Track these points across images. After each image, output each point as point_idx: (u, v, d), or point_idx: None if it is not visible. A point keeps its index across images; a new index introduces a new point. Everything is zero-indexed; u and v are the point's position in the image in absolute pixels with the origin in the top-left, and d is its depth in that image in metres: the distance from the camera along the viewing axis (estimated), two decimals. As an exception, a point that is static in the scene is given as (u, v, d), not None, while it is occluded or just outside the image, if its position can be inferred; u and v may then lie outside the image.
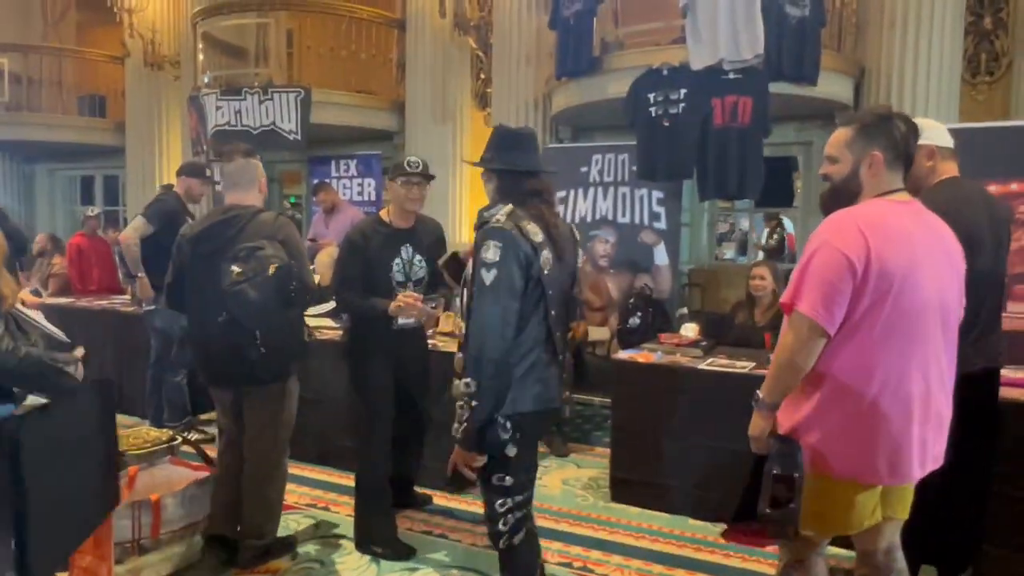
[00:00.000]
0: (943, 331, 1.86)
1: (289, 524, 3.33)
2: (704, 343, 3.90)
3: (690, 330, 4.14)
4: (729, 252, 9.50)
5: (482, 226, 2.15)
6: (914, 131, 1.92)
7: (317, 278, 3.80)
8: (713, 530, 3.29)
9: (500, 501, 2.18)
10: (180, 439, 3.20)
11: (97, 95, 10.60)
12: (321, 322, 4.31)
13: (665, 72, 4.94)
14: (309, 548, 3.18)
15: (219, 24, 7.93)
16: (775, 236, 9.32)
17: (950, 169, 2.49)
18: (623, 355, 3.86)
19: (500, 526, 2.19)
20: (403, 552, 3.09)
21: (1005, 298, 2.84)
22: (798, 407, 1.88)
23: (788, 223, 9.04)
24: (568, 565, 3.03)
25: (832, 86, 5.39)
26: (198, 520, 2.97)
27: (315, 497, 3.75)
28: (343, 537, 3.27)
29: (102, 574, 2.35)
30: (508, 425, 2.10)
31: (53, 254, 7.23)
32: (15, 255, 4.31)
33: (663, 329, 4.57)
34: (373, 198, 7.86)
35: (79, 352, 2.23)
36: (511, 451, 2.12)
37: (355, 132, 7.97)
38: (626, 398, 3.71)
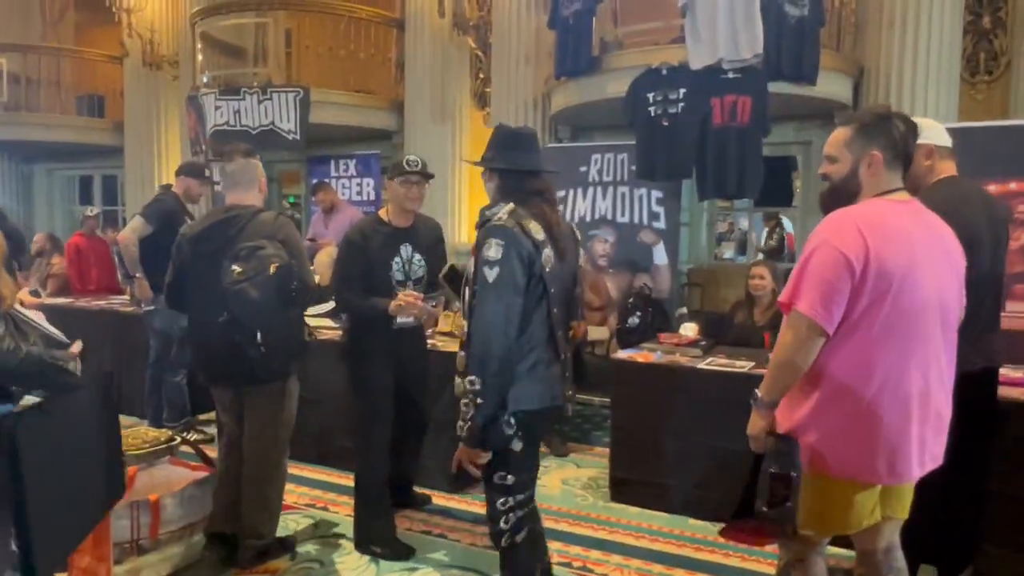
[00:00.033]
0: (942, 330, 1.86)
1: (288, 524, 3.33)
2: (703, 343, 3.90)
3: (689, 330, 4.14)
4: (728, 252, 9.50)
5: (484, 224, 2.16)
6: (913, 130, 1.92)
7: (317, 278, 3.79)
8: (713, 530, 3.29)
9: (502, 499, 2.19)
10: (179, 439, 3.20)
11: (96, 95, 10.59)
12: (320, 322, 4.31)
13: (664, 72, 4.94)
14: (308, 548, 3.18)
15: (218, 24, 7.92)
16: (775, 236, 9.32)
17: (948, 168, 2.49)
18: (622, 355, 3.86)
19: (501, 524, 2.20)
20: (402, 552, 3.09)
21: (1004, 297, 2.84)
22: (797, 406, 1.88)
23: (787, 223, 9.04)
24: (568, 565, 3.03)
25: (831, 86, 5.38)
26: (197, 520, 2.97)
27: (314, 497, 3.75)
28: (342, 537, 3.27)
29: (101, 574, 2.35)
30: (512, 421, 2.10)
31: (52, 254, 7.22)
32: (14, 255, 4.30)
33: (662, 329, 4.57)
34: (372, 198, 7.85)
35: (76, 348, 2.23)
36: (517, 445, 2.13)
37: (354, 132, 7.97)
38: (625, 398, 3.71)
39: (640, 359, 3.73)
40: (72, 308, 5.65)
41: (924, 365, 1.81)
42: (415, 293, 3.04)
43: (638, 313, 5.11)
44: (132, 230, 4.45)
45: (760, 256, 8.17)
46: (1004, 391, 2.73)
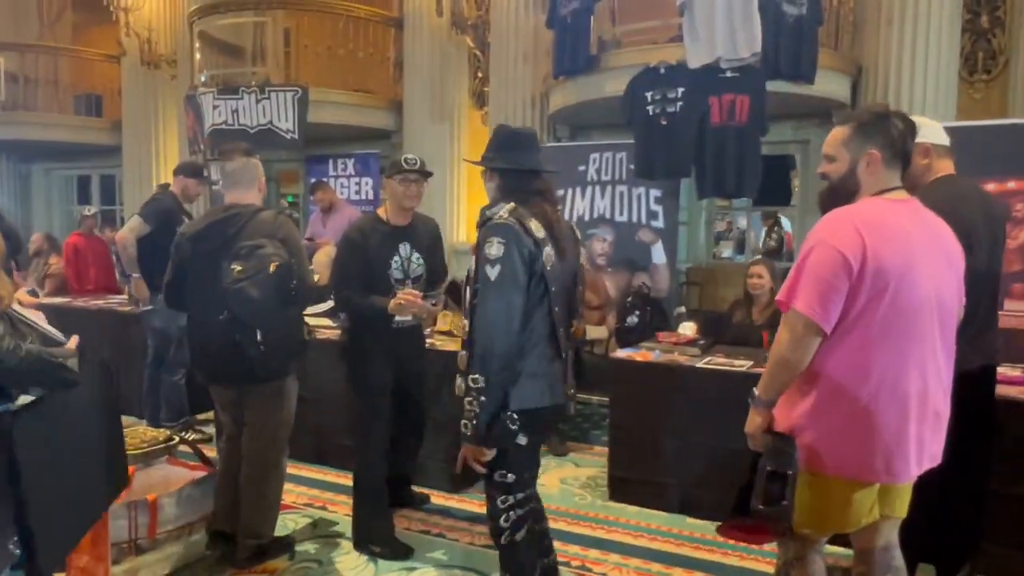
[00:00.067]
0: (940, 329, 1.86)
1: (287, 523, 3.32)
2: (702, 342, 3.91)
3: (688, 328, 4.15)
4: (727, 251, 9.49)
5: (485, 223, 2.16)
6: (912, 129, 1.92)
7: (316, 277, 3.79)
8: (711, 528, 3.28)
9: (502, 498, 2.20)
10: (177, 439, 3.20)
11: (93, 94, 10.57)
12: (319, 321, 4.31)
13: (662, 71, 4.94)
14: (307, 547, 3.17)
15: (216, 23, 7.91)
16: (773, 235, 9.32)
17: (946, 167, 2.49)
18: (621, 354, 3.86)
19: (501, 522, 2.21)
20: (401, 551, 3.09)
21: (1002, 296, 2.84)
22: (795, 405, 1.88)
23: (786, 222, 9.04)
24: (567, 564, 3.03)
25: (829, 84, 5.39)
26: (195, 520, 2.96)
27: (313, 496, 3.74)
28: (341, 536, 3.27)
29: (99, 574, 2.35)
30: (515, 417, 2.11)
31: (49, 254, 7.21)
32: (11, 255, 4.29)
33: (661, 328, 4.57)
34: (371, 197, 7.85)
35: (73, 343, 2.23)
36: (522, 440, 2.14)
37: (352, 131, 7.96)
38: (624, 397, 3.71)
39: (639, 358, 3.73)
40: (70, 308, 5.64)
41: (922, 364, 1.81)
42: (414, 291, 3.03)
43: (637, 312, 5.11)
44: (130, 230, 4.45)
45: (759, 255, 8.18)
46: (1002, 390, 2.73)
